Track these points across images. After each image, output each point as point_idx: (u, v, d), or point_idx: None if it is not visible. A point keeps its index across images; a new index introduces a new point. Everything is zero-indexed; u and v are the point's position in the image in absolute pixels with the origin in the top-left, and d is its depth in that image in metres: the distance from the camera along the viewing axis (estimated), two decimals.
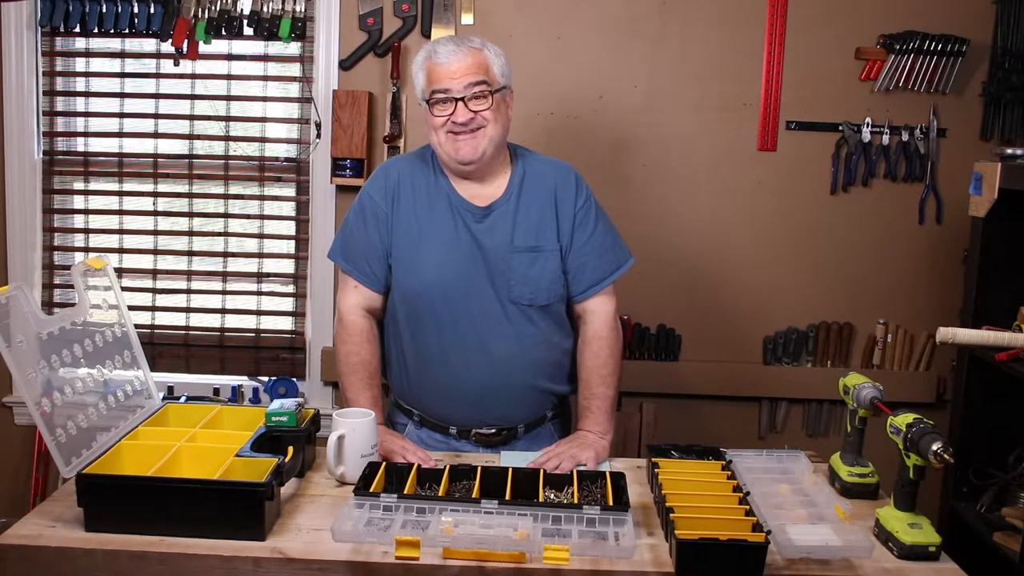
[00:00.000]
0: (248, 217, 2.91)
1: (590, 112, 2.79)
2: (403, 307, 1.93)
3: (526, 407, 1.98)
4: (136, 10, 2.73)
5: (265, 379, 2.93)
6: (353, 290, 1.96)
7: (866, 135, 2.75)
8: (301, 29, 2.75)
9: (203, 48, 2.79)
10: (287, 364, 2.93)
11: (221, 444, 1.65)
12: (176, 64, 2.81)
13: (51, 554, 1.43)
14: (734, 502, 1.54)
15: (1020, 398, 2.32)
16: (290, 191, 2.90)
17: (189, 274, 2.94)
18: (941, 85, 2.73)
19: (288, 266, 2.93)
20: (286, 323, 2.95)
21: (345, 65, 2.77)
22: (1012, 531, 2.22)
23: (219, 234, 2.92)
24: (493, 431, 1.96)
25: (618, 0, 2.74)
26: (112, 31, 2.76)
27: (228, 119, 2.87)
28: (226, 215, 2.90)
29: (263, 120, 2.87)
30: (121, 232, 2.92)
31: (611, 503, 1.50)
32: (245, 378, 2.95)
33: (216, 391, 2.91)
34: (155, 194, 2.91)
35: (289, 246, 2.92)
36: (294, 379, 2.91)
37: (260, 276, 2.93)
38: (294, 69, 2.83)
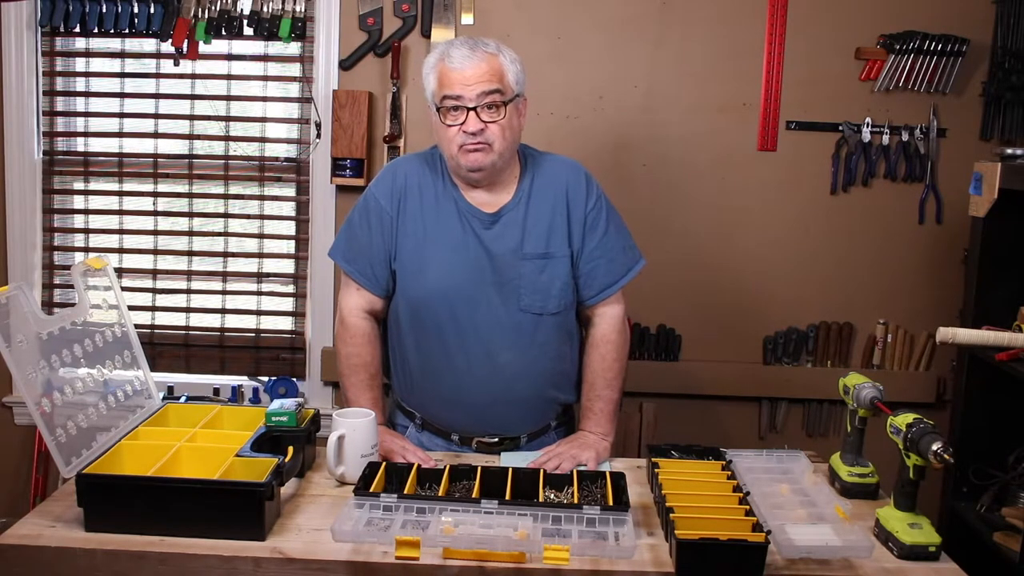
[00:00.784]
0: (248, 217, 2.91)
1: (590, 112, 2.79)
2: (407, 312, 1.90)
3: (530, 417, 1.96)
4: (136, 10, 2.73)
5: (265, 379, 2.93)
6: (355, 292, 1.93)
7: (866, 135, 2.75)
8: (301, 29, 2.75)
9: (203, 48, 2.79)
10: (287, 364, 2.93)
11: (221, 444, 1.65)
12: (176, 64, 2.82)
13: (51, 554, 1.43)
14: (734, 502, 1.54)
15: (1020, 398, 2.32)
16: (290, 191, 2.90)
17: (189, 274, 2.94)
18: (941, 85, 2.73)
19: (288, 266, 2.93)
20: (286, 323, 2.95)
21: (345, 65, 2.77)
22: (1012, 531, 2.21)
23: (219, 234, 2.92)
24: (496, 439, 1.94)
25: (618, 0, 2.74)
26: (112, 31, 2.76)
27: (228, 119, 2.87)
28: (226, 215, 2.90)
29: (263, 120, 2.87)
30: (121, 232, 2.92)
31: (611, 503, 1.50)
32: (245, 378, 2.95)
33: (216, 391, 2.91)
34: (155, 194, 2.91)
35: (289, 246, 2.92)
36: (294, 379, 2.91)
37: (260, 276, 2.93)
38: (294, 69, 2.83)
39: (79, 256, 2.92)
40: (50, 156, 2.88)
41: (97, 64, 2.87)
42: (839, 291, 2.85)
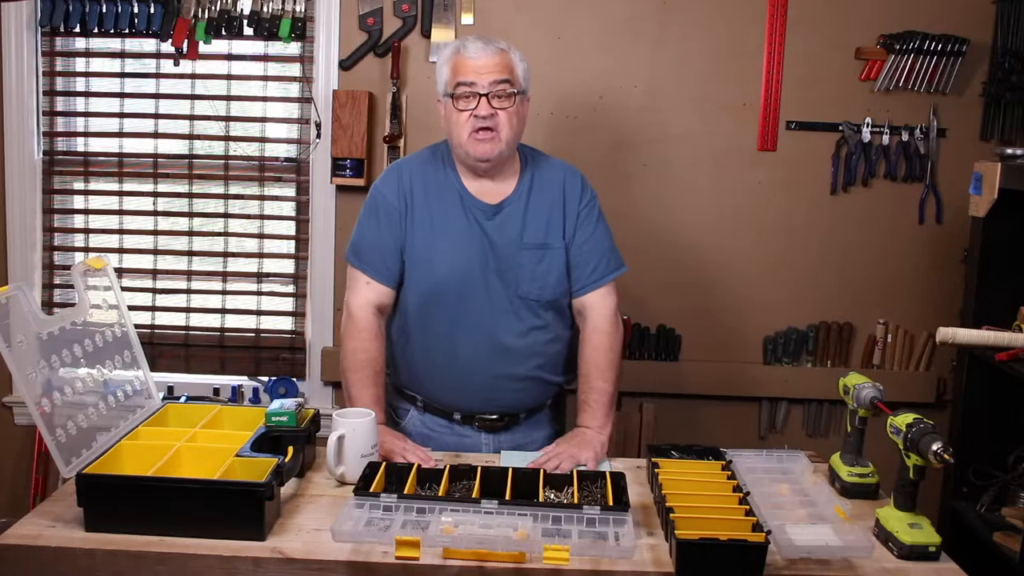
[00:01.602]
0: (248, 217, 2.91)
1: (590, 112, 2.79)
2: (416, 301, 1.96)
3: (530, 396, 2.02)
4: (136, 10, 2.73)
5: (265, 379, 2.93)
6: (365, 287, 1.96)
7: (866, 135, 2.75)
8: (301, 29, 2.75)
9: (203, 48, 2.79)
10: (287, 364, 2.93)
11: (221, 444, 1.65)
12: (176, 64, 2.81)
13: (51, 554, 1.43)
14: (734, 502, 1.54)
15: (1020, 398, 2.32)
16: (290, 191, 2.90)
17: (189, 274, 2.94)
18: (941, 85, 2.73)
19: (288, 266, 2.93)
20: (286, 323, 2.95)
21: (345, 65, 2.77)
22: (1012, 531, 2.22)
23: (219, 234, 2.92)
24: (496, 417, 2.00)
25: (618, 0, 2.74)
26: (112, 31, 2.76)
27: (228, 119, 2.87)
28: (226, 215, 2.90)
29: (263, 120, 2.87)
30: (121, 232, 2.92)
31: (611, 503, 1.50)
32: (245, 378, 2.95)
33: (216, 391, 2.91)
34: (155, 194, 2.91)
35: (289, 246, 2.92)
36: (294, 379, 2.91)
37: (260, 276, 2.93)
38: (294, 69, 2.83)
39: (79, 256, 2.92)
40: (50, 156, 2.88)
41: (97, 64, 2.87)
42: (839, 291, 2.85)
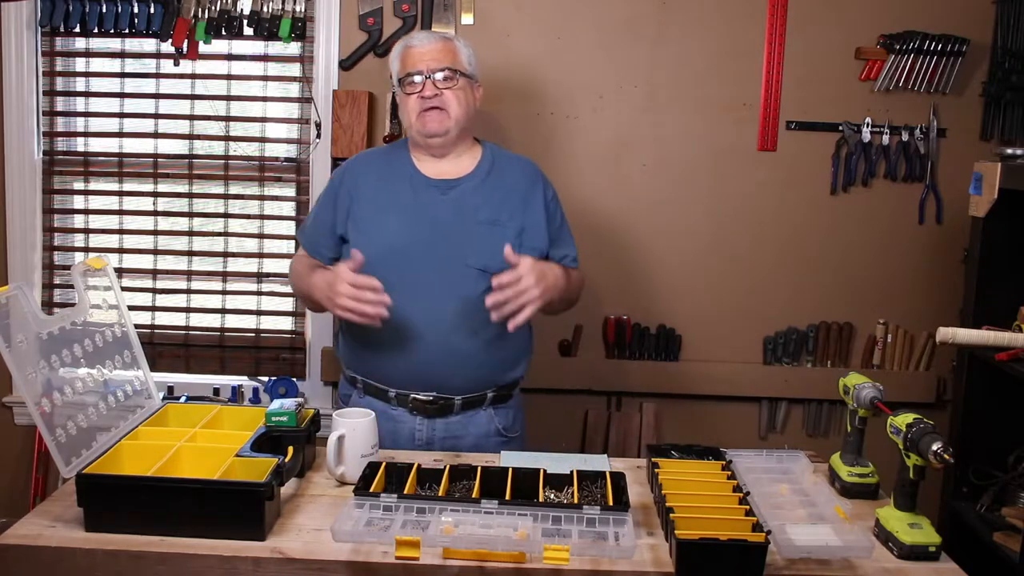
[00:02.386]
0: (248, 217, 2.91)
1: (590, 112, 2.79)
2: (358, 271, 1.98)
3: (465, 376, 2.01)
4: (136, 10, 2.73)
5: (265, 379, 2.93)
6: (301, 256, 2.14)
7: (866, 135, 2.75)
8: (301, 29, 2.75)
9: (203, 48, 2.79)
10: (287, 364, 2.93)
11: (221, 444, 1.65)
12: (176, 64, 2.82)
13: (51, 554, 1.43)
14: (734, 502, 1.54)
15: (1020, 398, 2.32)
16: (290, 191, 2.90)
17: (189, 274, 2.94)
18: (941, 85, 2.73)
19: (288, 266, 2.92)
20: (286, 323, 2.95)
21: (345, 65, 2.78)
22: (1012, 531, 2.22)
23: (219, 234, 2.92)
24: (430, 398, 2.00)
25: (618, 0, 2.74)
26: (112, 31, 2.76)
27: (228, 119, 2.87)
28: (226, 215, 2.90)
29: (263, 120, 2.87)
30: (121, 232, 2.92)
31: (611, 503, 1.50)
32: (245, 378, 2.95)
33: (216, 391, 2.91)
34: (155, 194, 2.91)
35: (289, 246, 2.91)
36: (294, 379, 2.91)
37: (260, 276, 2.93)
38: (294, 69, 2.83)
39: (79, 256, 2.92)
40: (50, 156, 2.88)
41: (97, 64, 2.87)
42: (839, 291, 2.85)
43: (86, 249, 2.93)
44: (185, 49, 2.78)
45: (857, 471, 1.72)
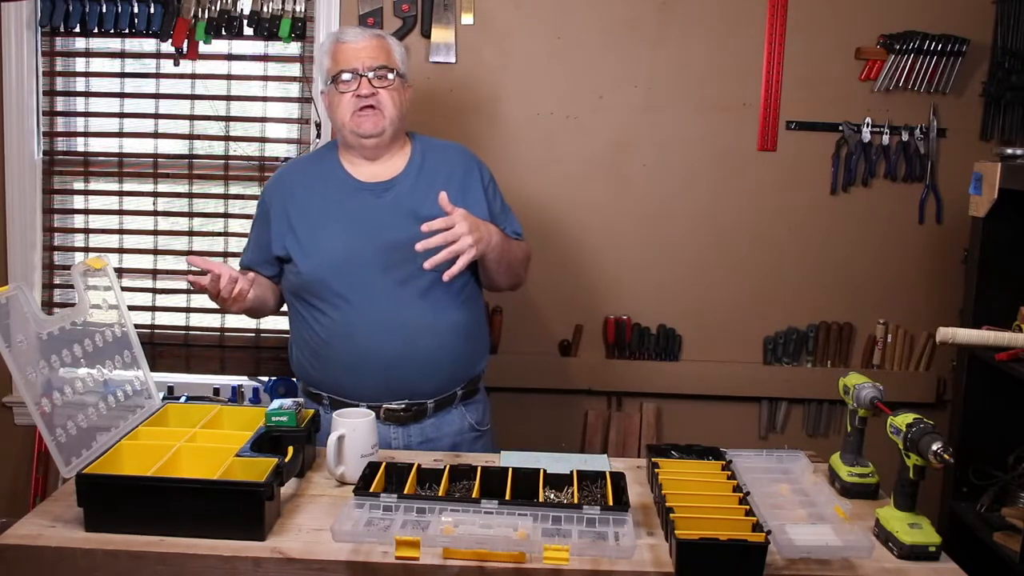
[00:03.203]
0: (248, 217, 2.90)
1: (590, 112, 2.79)
2: (305, 289, 1.99)
3: (435, 377, 2.00)
4: (136, 10, 2.73)
5: (265, 379, 2.93)
6: None
7: (866, 135, 2.75)
8: (301, 29, 2.75)
9: (203, 48, 2.79)
10: (287, 364, 2.92)
11: (221, 444, 1.65)
12: (176, 64, 2.81)
13: (51, 554, 1.43)
14: (734, 502, 1.54)
15: (1020, 398, 2.32)
16: None
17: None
18: (941, 85, 2.73)
19: None
20: (286, 323, 2.94)
21: None
22: (1012, 531, 2.22)
23: (219, 234, 2.92)
24: (403, 407, 1.98)
25: (618, 0, 2.74)
26: (112, 31, 2.75)
27: (228, 119, 2.87)
28: (226, 215, 2.90)
29: (263, 120, 2.87)
30: (121, 232, 2.92)
31: (611, 503, 1.50)
32: (245, 378, 2.95)
33: (216, 391, 2.91)
34: (155, 194, 2.91)
35: None
36: (294, 379, 2.90)
37: None
38: (294, 69, 2.83)
39: (79, 256, 2.92)
40: (50, 156, 2.88)
41: (97, 64, 2.86)
42: (839, 291, 2.85)
43: (86, 249, 2.93)
44: (185, 49, 2.78)
45: (857, 471, 1.72)
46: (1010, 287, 2.34)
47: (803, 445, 2.75)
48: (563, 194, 2.81)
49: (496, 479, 1.59)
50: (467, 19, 2.74)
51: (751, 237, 2.83)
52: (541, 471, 1.62)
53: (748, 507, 1.51)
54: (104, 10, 2.72)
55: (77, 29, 2.77)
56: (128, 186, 2.90)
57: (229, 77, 2.85)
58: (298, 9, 2.74)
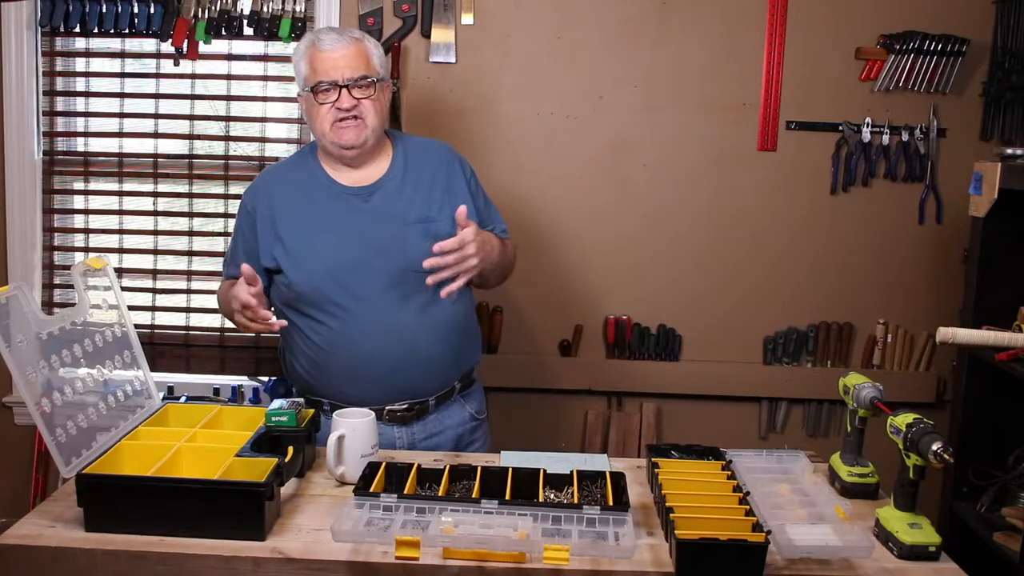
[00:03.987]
0: None
1: (590, 112, 2.79)
2: (299, 299, 1.95)
3: (435, 377, 2.00)
4: (136, 10, 2.73)
5: (265, 379, 2.93)
6: (224, 282, 2.08)
7: (866, 135, 2.75)
8: (301, 29, 2.74)
9: (203, 48, 2.79)
10: None
11: (221, 444, 1.65)
12: (176, 64, 2.81)
13: (51, 554, 1.43)
14: (734, 502, 1.54)
15: (1020, 398, 2.32)
16: None
17: (189, 274, 2.94)
18: (941, 85, 2.73)
19: None
20: None
21: None
22: (1012, 531, 2.22)
23: (219, 234, 2.92)
24: (405, 406, 1.98)
25: (618, 0, 2.74)
26: (112, 31, 2.75)
27: (228, 119, 2.87)
28: (226, 215, 2.90)
29: (263, 120, 2.87)
30: (121, 232, 2.92)
31: (611, 503, 1.50)
32: (245, 378, 2.95)
33: (216, 391, 2.90)
34: (155, 194, 2.91)
35: None
36: None
37: None
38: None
39: (79, 256, 2.92)
40: (50, 156, 2.88)
41: (97, 64, 2.86)
42: (839, 291, 2.85)
43: (86, 249, 2.93)
44: (185, 49, 2.78)
45: (857, 471, 1.72)
46: (1010, 287, 2.34)
47: (803, 445, 2.75)
48: (563, 194, 2.81)
49: (496, 479, 1.59)
50: (467, 19, 2.74)
51: (751, 237, 2.83)
52: (541, 471, 1.62)
53: (748, 507, 1.51)
54: (104, 10, 2.72)
55: (77, 29, 2.77)
56: (128, 186, 2.90)
57: (229, 77, 2.85)
58: (298, 9, 2.74)
